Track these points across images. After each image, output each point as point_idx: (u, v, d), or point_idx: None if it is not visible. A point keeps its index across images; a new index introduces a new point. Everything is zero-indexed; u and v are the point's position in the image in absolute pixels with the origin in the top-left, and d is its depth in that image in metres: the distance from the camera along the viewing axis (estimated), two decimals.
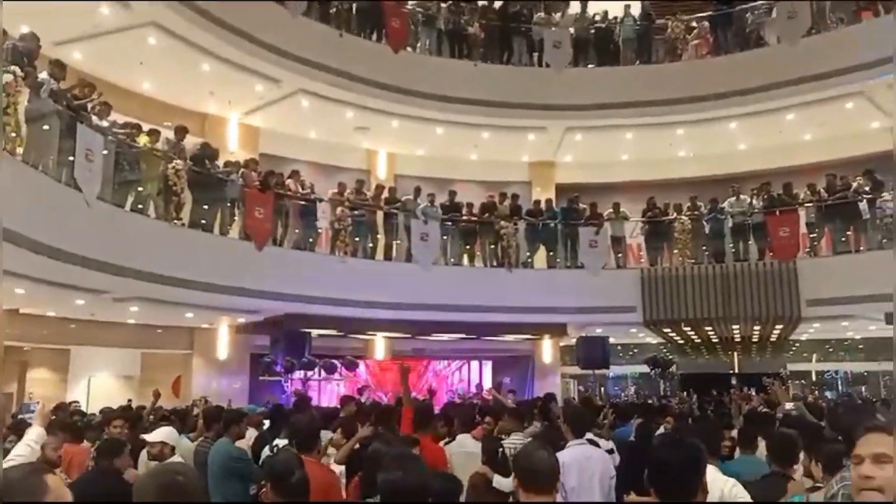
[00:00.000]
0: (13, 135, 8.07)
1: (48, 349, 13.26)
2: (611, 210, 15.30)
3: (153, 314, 12.64)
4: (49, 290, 9.69)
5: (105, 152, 9.72)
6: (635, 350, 21.29)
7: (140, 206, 10.55)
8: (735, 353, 21.04)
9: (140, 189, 10.62)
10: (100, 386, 14.23)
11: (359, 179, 14.83)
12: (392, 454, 4.24)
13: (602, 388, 20.66)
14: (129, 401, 11.76)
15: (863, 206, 13.40)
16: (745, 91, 15.15)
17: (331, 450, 5.82)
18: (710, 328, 15.92)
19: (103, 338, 13.53)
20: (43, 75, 8.94)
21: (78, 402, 11.26)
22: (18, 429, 5.59)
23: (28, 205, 7.82)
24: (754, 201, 14.75)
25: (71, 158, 8.97)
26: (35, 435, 4.21)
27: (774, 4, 15.60)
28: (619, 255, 15.15)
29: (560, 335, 15.89)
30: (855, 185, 13.68)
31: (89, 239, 8.95)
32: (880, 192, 13.16)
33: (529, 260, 14.97)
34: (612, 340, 16.18)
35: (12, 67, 8.18)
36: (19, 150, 8.08)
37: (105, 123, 10.09)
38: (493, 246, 14.72)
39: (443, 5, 16.64)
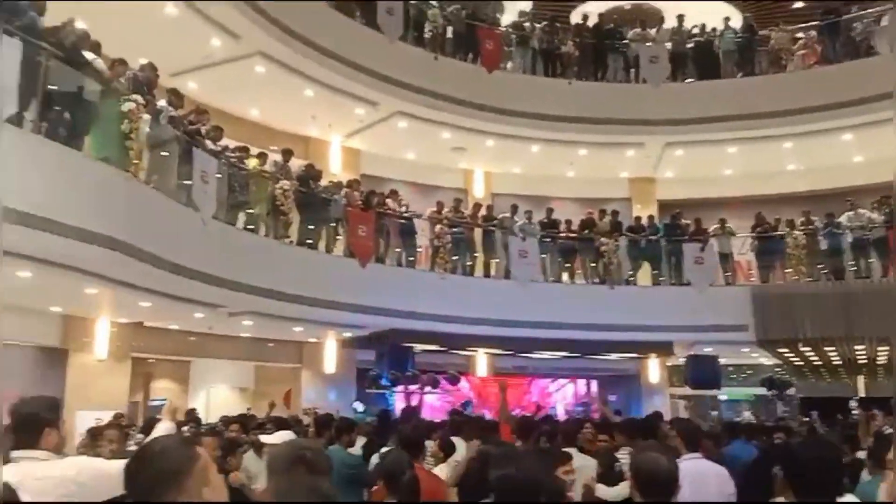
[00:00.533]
0: (136, 161, 8.65)
1: (171, 361, 13.97)
2: (717, 225, 14.77)
3: (265, 328, 13.12)
4: (171, 304, 10.23)
5: (218, 175, 10.25)
6: (749, 371, 20.30)
7: (251, 226, 11.04)
8: (860, 376, 19.71)
9: (250, 210, 11.11)
10: (218, 397, 14.92)
11: (456, 198, 14.99)
12: (502, 452, 4.21)
13: (715, 412, 19.78)
14: (249, 409, 12.48)
15: None
16: (858, 101, 14.37)
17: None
18: (831, 349, 15.01)
19: (220, 350, 14.13)
20: (161, 103, 9.53)
21: (195, 409, 11.84)
22: (148, 427, 5.90)
23: (151, 224, 8.31)
24: (874, 215, 13.91)
25: (188, 182, 9.53)
26: (164, 429, 4.41)
27: (885, 13, 14.79)
28: (728, 272, 14.59)
29: (666, 354, 15.39)
30: None
31: (206, 256, 9.41)
32: None
33: (632, 277, 14.63)
34: (722, 361, 15.52)
35: (134, 96, 8.77)
36: (141, 175, 8.64)
37: (218, 147, 10.64)
38: (593, 264, 14.50)
39: (537, 26, 16.69)
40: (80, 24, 8.30)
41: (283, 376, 14.74)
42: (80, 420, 9.60)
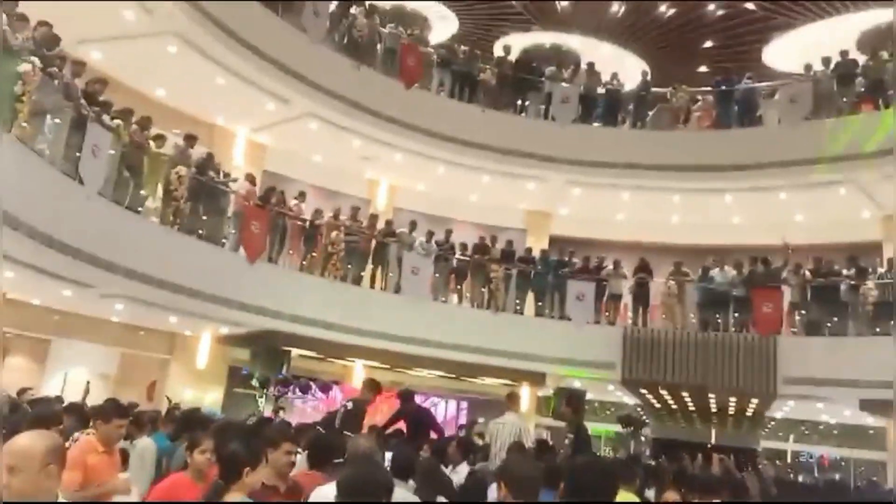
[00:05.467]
0: (24, 124, 8.29)
1: (29, 337, 13.22)
2: (611, 266, 15.42)
3: (137, 314, 12.68)
4: (38, 278, 9.77)
5: (112, 151, 9.95)
6: (612, 409, 21.26)
7: (139, 209, 10.70)
8: (711, 424, 21.01)
9: (142, 192, 10.79)
10: (76, 381, 14.13)
11: (354, 206, 14.94)
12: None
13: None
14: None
15: (845, 289, 13.63)
16: (740, 166, 15.38)
17: None
18: (686, 394, 15.97)
19: (85, 332, 13.51)
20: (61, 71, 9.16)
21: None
22: None
23: (29, 191, 7.97)
24: (739, 273, 14.91)
25: (78, 154, 9.18)
26: None
27: (778, 87, 16.08)
28: (608, 313, 15.24)
29: (539, 384, 15.93)
30: (842, 270, 13.93)
31: (85, 232, 9.08)
32: (863, 279, 13.42)
33: (518, 306, 15.11)
34: (589, 396, 16.20)
35: (32, 58, 8.44)
36: (29, 140, 8.27)
37: (113, 122, 10.22)
38: (483, 288, 14.91)
39: (460, 48, 17.09)
40: None
41: (151, 366, 14.25)
42: None
